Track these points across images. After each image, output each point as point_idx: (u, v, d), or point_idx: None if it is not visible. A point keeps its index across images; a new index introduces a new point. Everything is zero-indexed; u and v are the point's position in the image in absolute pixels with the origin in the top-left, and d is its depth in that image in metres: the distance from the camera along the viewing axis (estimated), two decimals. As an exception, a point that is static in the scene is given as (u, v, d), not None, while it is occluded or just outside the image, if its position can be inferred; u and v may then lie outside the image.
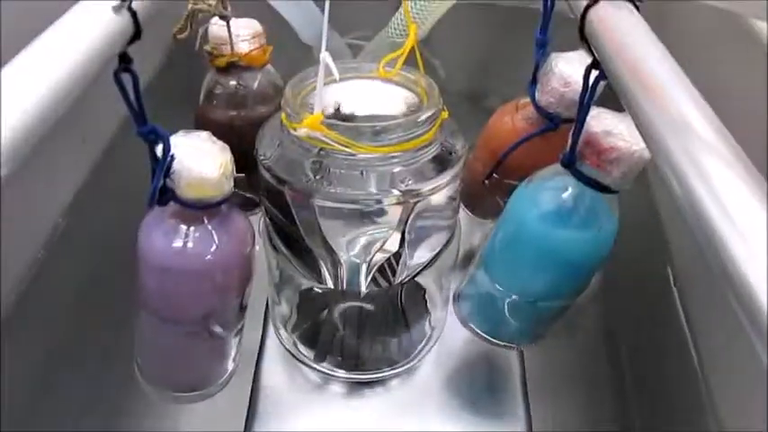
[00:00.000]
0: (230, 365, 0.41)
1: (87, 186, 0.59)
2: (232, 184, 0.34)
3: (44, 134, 0.21)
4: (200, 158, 0.32)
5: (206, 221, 0.34)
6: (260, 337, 0.48)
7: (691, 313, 0.47)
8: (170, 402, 0.44)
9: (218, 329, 0.39)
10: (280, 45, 0.51)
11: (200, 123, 0.52)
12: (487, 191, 0.49)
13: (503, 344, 0.43)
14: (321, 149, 0.34)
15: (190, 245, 0.34)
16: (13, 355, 0.44)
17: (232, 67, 0.48)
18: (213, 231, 0.34)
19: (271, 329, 0.49)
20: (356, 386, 0.46)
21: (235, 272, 0.36)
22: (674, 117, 0.21)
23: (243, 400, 0.44)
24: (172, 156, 0.31)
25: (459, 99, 0.73)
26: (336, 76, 0.35)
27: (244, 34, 0.47)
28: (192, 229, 0.34)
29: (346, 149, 0.33)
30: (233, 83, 0.49)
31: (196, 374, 0.41)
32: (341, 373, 0.46)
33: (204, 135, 0.34)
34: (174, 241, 0.34)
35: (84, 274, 0.53)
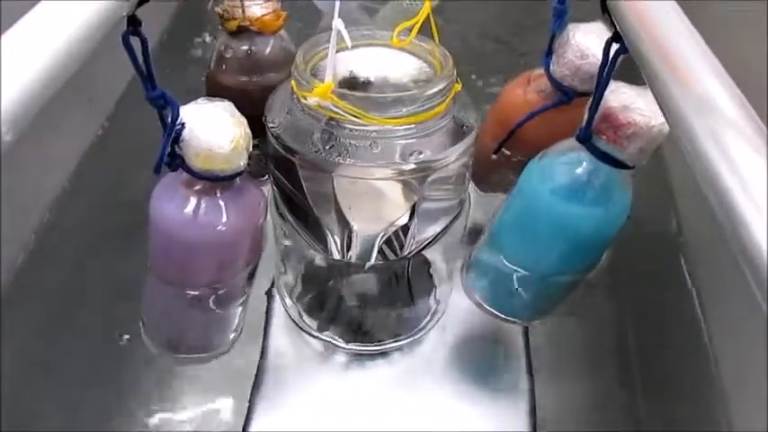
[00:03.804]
0: (232, 334, 0.41)
1: (93, 150, 0.59)
2: (246, 159, 0.33)
3: (49, 99, 0.21)
4: (211, 130, 0.31)
5: (218, 193, 0.34)
6: (266, 305, 0.48)
7: (701, 293, 0.47)
8: (170, 362, 0.45)
9: (223, 298, 0.39)
10: (291, 9, 0.50)
11: (211, 87, 0.51)
12: (496, 164, 0.48)
13: (510, 319, 0.42)
14: (330, 119, 0.33)
15: (199, 216, 0.33)
16: (17, 318, 0.44)
17: (244, 32, 0.47)
18: (224, 204, 0.34)
19: (277, 298, 0.49)
20: (359, 357, 0.46)
21: (244, 245, 0.36)
22: (699, 94, 0.20)
23: (249, 367, 0.44)
24: (182, 123, 0.31)
25: (471, 69, 0.72)
26: (349, 43, 0.34)
27: None
28: (202, 199, 0.34)
29: (357, 120, 0.32)
30: (245, 47, 0.48)
31: (197, 339, 0.41)
32: (344, 343, 0.46)
33: (224, 105, 0.33)
34: (183, 211, 0.33)
35: (89, 238, 0.53)
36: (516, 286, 0.40)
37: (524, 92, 0.46)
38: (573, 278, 0.39)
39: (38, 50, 0.21)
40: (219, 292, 0.38)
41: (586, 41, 0.40)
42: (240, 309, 0.41)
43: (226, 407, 0.43)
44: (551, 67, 0.43)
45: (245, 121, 0.33)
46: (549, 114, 0.43)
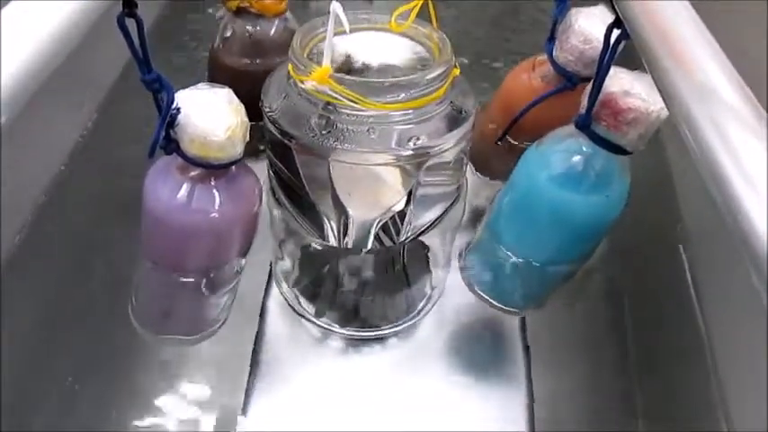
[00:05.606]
0: (221, 319, 0.41)
1: (89, 133, 0.59)
2: (241, 148, 0.33)
3: (44, 80, 0.21)
4: (207, 117, 0.31)
5: (212, 179, 0.33)
6: (263, 291, 0.48)
7: (699, 282, 0.47)
8: (156, 343, 0.44)
9: (214, 283, 0.38)
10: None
11: (213, 66, 0.51)
12: (499, 151, 0.48)
13: (507, 308, 0.42)
14: (328, 104, 0.33)
15: (193, 201, 0.33)
16: (14, 302, 0.44)
17: (247, 13, 0.47)
18: (218, 190, 0.33)
19: (274, 283, 0.49)
20: (355, 342, 0.46)
21: (237, 231, 0.36)
22: (700, 81, 0.20)
23: (246, 352, 0.45)
24: (178, 108, 0.30)
25: (471, 56, 0.71)
26: (347, 28, 0.33)
27: None
28: (196, 185, 0.33)
29: (354, 105, 0.32)
30: (248, 28, 0.48)
31: (186, 322, 0.41)
32: (340, 328, 0.46)
33: (222, 92, 0.32)
34: (176, 195, 0.33)
35: (84, 221, 0.53)
36: (513, 275, 0.40)
37: (529, 77, 0.46)
38: (570, 266, 0.39)
39: (34, 31, 0.20)
40: (211, 276, 0.38)
41: (590, 26, 0.40)
42: (231, 293, 0.41)
43: (223, 391, 0.43)
44: (554, 52, 0.42)
45: (242, 108, 0.32)
46: (554, 100, 0.43)
